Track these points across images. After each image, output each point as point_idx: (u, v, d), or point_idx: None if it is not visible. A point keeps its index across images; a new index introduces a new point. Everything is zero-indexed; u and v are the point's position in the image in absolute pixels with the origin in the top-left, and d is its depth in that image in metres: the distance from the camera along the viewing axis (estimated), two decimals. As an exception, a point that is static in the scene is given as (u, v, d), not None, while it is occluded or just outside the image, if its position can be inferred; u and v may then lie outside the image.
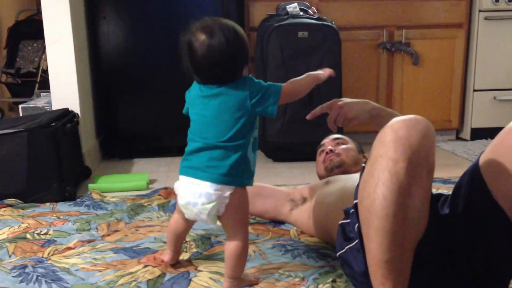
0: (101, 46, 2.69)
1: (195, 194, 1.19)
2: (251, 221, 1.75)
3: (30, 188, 2.00)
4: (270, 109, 1.20)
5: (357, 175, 1.49)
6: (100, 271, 1.39)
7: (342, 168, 1.70)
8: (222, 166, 1.18)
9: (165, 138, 2.85)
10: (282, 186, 1.80)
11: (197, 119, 1.24)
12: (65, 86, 2.36)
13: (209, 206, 1.19)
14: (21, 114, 2.46)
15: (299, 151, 2.59)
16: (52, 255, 1.51)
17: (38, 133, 1.98)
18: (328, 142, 1.80)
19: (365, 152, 1.85)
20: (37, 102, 2.55)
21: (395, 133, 1.00)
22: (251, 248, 1.52)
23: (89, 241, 1.61)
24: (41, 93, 3.00)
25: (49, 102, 2.44)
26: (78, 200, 2.03)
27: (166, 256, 1.41)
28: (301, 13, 2.63)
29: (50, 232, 1.68)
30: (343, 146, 1.75)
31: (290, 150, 2.62)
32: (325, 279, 1.30)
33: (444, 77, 3.03)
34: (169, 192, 2.06)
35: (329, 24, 2.58)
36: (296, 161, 2.62)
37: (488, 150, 1.06)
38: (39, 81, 3.79)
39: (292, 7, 2.62)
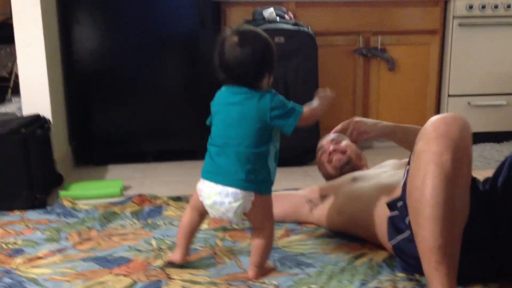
0: (74, 50, 2.64)
1: (222, 194, 1.26)
2: (228, 227, 1.73)
3: (-1, 196, 1.94)
4: (287, 129, 1.28)
5: (382, 171, 1.71)
6: (69, 281, 1.35)
7: (351, 165, 1.82)
8: (241, 171, 1.25)
9: (141, 143, 2.81)
10: (299, 190, 1.83)
11: (219, 124, 1.31)
12: (36, 91, 2.29)
13: (236, 204, 1.26)
14: (-10, 120, 2.39)
15: (276, 156, 2.58)
16: (21, 264, 1.46)
17: (6, 140, 1.93)
18: (327, 143, 1.89)
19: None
20: (7, 108, 2.48)
21: (435, 130, 1.10)
22: (226, 256, 1.50)
23: (60, 250, 1.56)
24: (13, 99, 2.93)
25: (21, 108, 2.38)
26: (48, 208, 1.98)
27: (177, 255, 1.40)
28: (278, 18, 2.62)
29: (19, 242, 1.62)
30: (344, 143, 1.83)
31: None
32: (299, 286, 1.29)
33: (420, 82, 3.06)
34: (143, 199, 2.02)
35: (306, 29, 2.58)
36: (273, 166, 2.60)
37: None
38: (11, 86, 3.71)
39: (269, 12, 2.61)
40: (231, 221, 1.32)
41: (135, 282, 1.33)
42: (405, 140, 1.64)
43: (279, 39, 2.52)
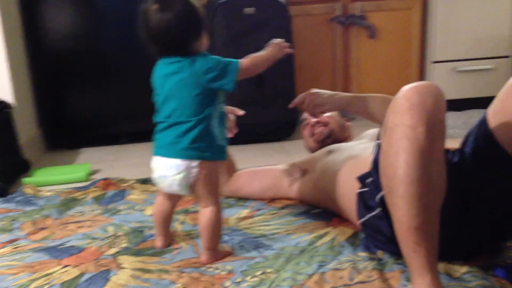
0: (41, 30, 2.53)
1: (166, 166, 1.24)
2: (190, 209, 1.65)
3: (-44, 186, 1.87)
4: (227, 86, 1.23)
5: (357, 143, 1.65)
6: (14, 274, 1.28)
7: (332, 137, 1.76)
8: (183, 141, 1.21)
9: (114, 125, 2.72)
10: (278, 165, 1.76)
11: (158, 99, 1.27)
12: (-5, 74, 2.20)
13: (178, 176, 1.23)
14: (-49, 107, 2.30)
15: (251, 132, 2.49)
16: (-32, 258, 1.39)
17: (-41, 127, 1.84)
18: (309, 114, 1.78)
19: (346, 116, 1.92)
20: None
21: (408, 101, 1.00)
22: (183, 240, 1.42)
23: (11, 241, 1.49)
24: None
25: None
26: (9, 196, 1.90)
27: (158, 242, 1.39)
28: (248, -13, 2.50)
29: (-30, 233, 1.55)
30: (327, 114, 1.76)
31: (242, 132, 2.51)
32: (254, 271, 1.21)
33: (402, 49, 2.94)
34: (108, 183, 1.94)
35: (277, -1, 2.45)
36: (249, 143, 2.52)
37: (494, 101, 1.10)
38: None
39: (238, -18, 2.48)
40: (180, 193, 1.29)
41: (82, 273, 1.26)
42: (365, 111, 1.58)
43: (250, 10, 2.41)
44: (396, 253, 1.20)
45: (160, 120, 1.26)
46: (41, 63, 2.58)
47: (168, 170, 1.23)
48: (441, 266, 1.16)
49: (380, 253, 1.25)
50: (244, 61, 1.25)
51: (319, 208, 1.58)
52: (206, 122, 1.23)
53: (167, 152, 1.23)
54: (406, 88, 1.04)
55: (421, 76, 3.02)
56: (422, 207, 0.98)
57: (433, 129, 0.99)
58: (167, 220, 1.38)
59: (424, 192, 0.98)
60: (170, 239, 1.41)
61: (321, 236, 1.39)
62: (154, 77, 1.28)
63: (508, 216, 1.13)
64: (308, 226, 1.47)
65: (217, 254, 1.29)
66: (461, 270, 1.15)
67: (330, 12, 2.81)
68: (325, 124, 1.80)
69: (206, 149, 1.24)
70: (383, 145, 1.07)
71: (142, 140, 2.71)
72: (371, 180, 1.20)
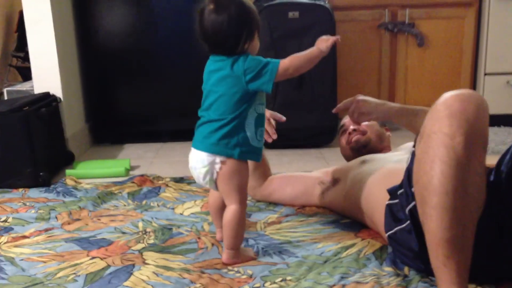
0: (92, 28, 2.62)
1: (196, 159, 1.28)
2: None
3: (3, 173, 1.96)
4: (265, 86, 1.23)
5: (394, 154, 1.58)
6: (44, 262, 1.33)
7: (369, 147, 1.71)
8: (214, 137, 1.24)
9: (158, 122, 2.78)
10: (313, 172, 1.76)
11: (204, 92, 1.30)
12: (46, 69, 2.30)
13: (203, 170, 1.26)
14: (6, 98, 2.42)
15: (289, 137, 2.47)
16: (5, 243, 1.46)
17: (8, 118, 1.93)
18: (349, 121, 1.78)
19: (386, 125, 1.87)
20: (23, 86, 2.50)
21: (448, 108, 0.96)
22: (209, 241, 1.43)
23: (46, 230, 1.55)
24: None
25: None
26: (52, 186, 1.98)
27: (218, 234, 1.43)
28: (295, -8, 2.49)
29: (10, 220, 1.62)
30: (366, 122, 1.72)
31: (280, 136, 2.50)
32: (274, 277, 1.20)
33: (453, 59, 2.84)
34: (144, 180, 1.99)
35: (322, 3, 2.43)
36: (287, 148, 2.51)
37: None
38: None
39: (285, -14, 2.48)
40: (206, 186, 1.31)
41: (108, 266, 1.29)
42: (412, 125, 1.51)
43: (294, 14, 2.40)
44: (423, 270, 1.16)
45: (200, 114, 1.30)
46: (91, 59, 2.67)
47: (197, 162, 1.27)
48: (470, 288, 1.11)
49: (406, 270, 1.21)
50: (284, 61, 1.23)
51: (349, 219, 1.55)
52: (239, 121, 1.24)
53: (199, 145, 1.27)
54: (447, 94, 1.00)
55: (472, 89, 2.90)
56: (455, 220, 0.94)
57: (473, 140, 0.95)
58: (220, 211, 1.36)
59: (458, 204, 0.94)
60: None
61: (347, 247, 1.36)
62: (204, 71, 1.31)
63: None
64: (335, 235, 1.44)
65: (238, 255, 1.29)
66: (491, 293, 1.10)
67: (378, 19, 2.76)
68: (363, 133, 1.75)
69: (235, 147, 1.24)
70: (418, 152, 1.03)
71: (184, 139, 2.75)
72: (402, 191, 1.16)
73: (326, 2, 2.47)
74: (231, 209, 1.27)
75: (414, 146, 1.14)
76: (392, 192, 1.25)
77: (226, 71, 1.23)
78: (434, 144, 0.97)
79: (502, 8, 2.74)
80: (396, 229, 1.18)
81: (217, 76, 1.25)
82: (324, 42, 1.30)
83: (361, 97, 1.57)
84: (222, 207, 1.36)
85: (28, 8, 2.24)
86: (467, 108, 0.96)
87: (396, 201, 1.21)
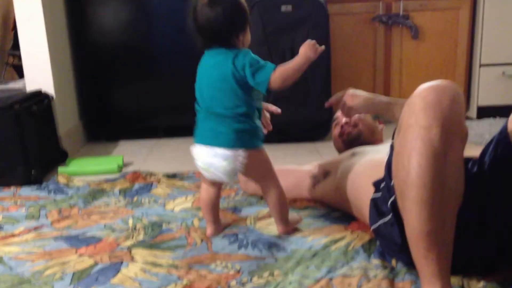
0: (85, 24, 2.61)
1: (212, 154, 1.29)
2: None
3: (-6, 171, 1.96)
4: (261, 86, 1.27)
5: (384, 146, 1.55)
6: (32, 260, 1.32)
7: (361, 139, 1.71)
8: (229, 131, 1.27)
9: (153, 119, 2.78)
10: (304, 165, 1.75)
11: (202, 87, 1.32)
12: (38, 66, 2.29)
13: (224, 164, 1.29)
14: (-2, 96, 2.41)
15: (284, 131, 2.47)
16: (-6, 242, 1.45)
17: (-1, 116, 1.93)
18: (341, 114, 1.73)
19: (379, 117, 1.85)
20: (15, 84, 2.50)
21: (423, 100, 0.96)
22: (199, 237, 1.43)
23: (36, 228, 1.54)
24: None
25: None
26: (43, 184, 1.97)
27: (208, 229, 1.43)
28: (287, -15, 2.47)
29: (0, 218, 1.62)
30: (357, 115, 1.72)
31: (274, 131, 2.50)
32: (262, 272, 1.20)
33: (447, 51, 2.83)
34: (137, 176, 1.98)
35: (315, -4, 2.42)
36: (281, 142, 2.50)
37: None
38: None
39: (277, -21, 2.46)
40: (225, 181, 1.35)
41: (96, 263, 1.28)
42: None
43: (286, 8, 2.39)
44: (409, 263, 1.15)
45: (202, 108, 1.32)
46: (85, 56, 2.66)
47: (213, 158, 1.29)
48: (457, 280, 1.10)
49: (394, 262, 1.20)
50: (274, 75, 1.25)
51: (339, 211, 1.55)
52: (249, 113, 1.29)
53: (212, 140, 1.29)
54: (422, 86, 1.00)
55: (468, 80, 2.89)
56: (434, 212, 0.94)
57: (449, 131, 0.95)
58: (214, 207, 1.42)
59: (436, 197, 0.94)
60: (220, 226, 1.45)
61: (336, 240, 1.35)
62: (199, 66, 1.35)
63: None
64: (325, 229, 1.43)
65: (289, 223, 1.42)
66: (478, 285, 1.09)
67: (372, 11, 2.74)
68: (355, 125, 1.75)
69: (252, 137, 1.31)
70: (396, 146, 1.02)
71: (179, 135, 2.75)
72: (384, 185, 1.16)
73: (319, -5, 2.46)
74: (272, 192, 1.38)
75: (392, 139, 1.13)
76: (377, 185, 1.24)
77: (228, 65, 1.27)
78: (411, 137, 0.96)
79: (497, -1, 2.72)
80: (379, 222, 1.17)
81: (219, 70, 1.28)
82: (311, 49, 1.29)
83: (351, 91, 1.56)
84: (215, 203, 1.43)
85: (19, 5, 2.23)
86: (442, 100, 0.95)
87: (380, 194, 1.20)
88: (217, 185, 1.41)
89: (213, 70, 1.29)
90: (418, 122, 0.96)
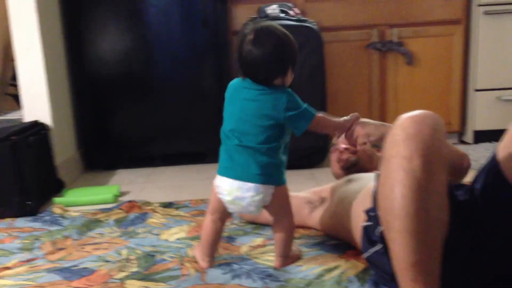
0: (83, 54, 2.64)
1: (243, 189, 1.27)
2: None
3: (-10, 203, 1.95)
4: (298, 131, 1.27)
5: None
6: (24, 293, 1.31)
7: (358, 166, 1.70)
8: (262, 167, 1.26)
9: (150, 147, 2.78)
10: (300, 192, 1.75)
11: (232, 118, 1.30)
12: (35, 97, 2.30)
13: (258, 197, 1.28)
14: (-4, 127, 2.43)
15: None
16: (-13, 275, 1.44)
17: (-5, 147, 1.93)
18: (342, 140, 1.74)
19: (378, 146, 1.80)
20: (13, 115, 2.51)
21: (404, 131, 0.98)
22: (192, 267, 1.41)
23: (29, 260, 1.53)
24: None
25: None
26: (39, 215, 1.97)
27: (205, 263, 1.41)
28: (282, 14, 2.51)
29: (-7, 251, 1.61)
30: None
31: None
32: (255, 304, 1.18)
33: (442, 77, 2.84)
34: (133, 206, 1.97)
35: (309, 25, 2.45)
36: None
37: (504, 137, 1.06)
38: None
39: (272, 9, 2.50)
40: (252, 213, 1.37)
41: (88, 296, 1.27)
42: None
43: (281, 36, 2.41)
44: (402, 293, 1.14)
45: (230, 139, 1.30)
46: (83, 86, 2.68)
47: (246, 191, 1.27)
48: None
49: (388, 292, 1.19)
50: (319, 116, 1.28)
51: (335, 240, 1.54)
52: (279, 149, 1.29)
53: (242, 175, 1.27)
54: (403, 117, 1.01)
55: (463, 105, 2.90)
56: (420, 243, 0.93)
57: (431, 161, 0.95)
58: (217, 240, 1.41)
59: (421, 227, 0.93)
60: (213, 261, 1.43)
61: (330, 270, 1.34)
62: (229, 93, 1.32)
63: None
64: (319, 258, 1.42)
65: (288, 259, 1.40)
66: (472, 314, 1.07)
67: (367, 39, 2.77)
68: (354, 152, 1.74)
69: (280, 174, 1.31)
70: (380, 177, 1.03)
71: (176, 163, 2.75)
72: (373, 214, 1.15)
73: (314, 23, 2.49)
74: (285, 226, 1.37)
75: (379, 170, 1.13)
76: (367, 212, 1.23)
77: (266, 103, 1.25)
78: (393, 168, 0.97)
79: (490, 24, 2.75)
80: (371, 251, 1.17)
81: (255, 105, 1.26)
82: (347, 121, 1.38)
83: (363, 120, 1.51)
84: (219, 236, 1.41)
85: (17, 35, 2.26)
86: (422, 130, 0.96)
87: (371, 223, 1.20)
88: (226, 219, 1.40)
89: (249, 103, 1.26)
90: (399, 153, 0.97)
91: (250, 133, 1.26)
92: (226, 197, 1.31)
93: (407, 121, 0.98)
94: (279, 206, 1.34)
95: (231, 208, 1.33)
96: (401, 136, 0.97)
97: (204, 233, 1.40)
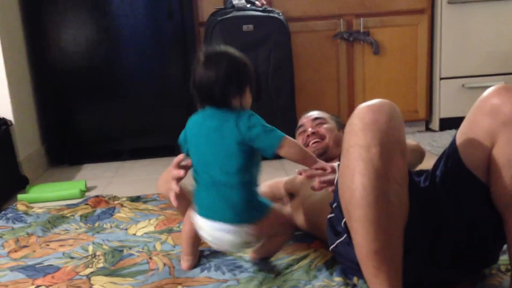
0: (46, 49, 2.56)
1: (222, 230, 1.20)
2: (174, 229, 1.62)
3: (-50, 202, 1.89)
4: (269, 149, 1.17)
5: None
6: (-14, 293, 1.27)
7: (327, 154, 1.63)
8: (232, 206, 1.18)
9: (117, 141, 2.73)
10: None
11: (200, 153, 1.22)
12: (-5, 92, 2.23)
13: (232, 238, 1.20)
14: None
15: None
16: None
17: (-47, 144, 1.86)
18: (307, 122, 1.71)
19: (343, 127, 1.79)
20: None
21: (361, 121, 0.97)
22: (161, 261, 1.39)
23: (-9, 259, 1.48)
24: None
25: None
26: (2, 212, 1.91)
27: (185, 262, 1.35)
28: (248, 5, 2.50)
29: (-47, 251, 1.56)
30: (325, 126, 1.67)
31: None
32: (223, 296, 1.17)
33: (408, 66, 2.88)
34: (99, 201, 1.93)
35: (276, 15, 2.44)
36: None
37: (462, 124, 1.09)
38: None
39: (238, 0, 2.48)
40: (234, 252, 1.36)
41: (53, 294, 1.24)
42: None
43: (248, 27, 2.40)
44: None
45: (202, 177, 1.21)
46: (46, 78, 2.61)
47: (226, 233, 1.20)
48: (418, 294, 1.10)
49: (355, 279, 1.20)
50: (291, 139, 1.19)
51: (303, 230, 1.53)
52: (251, 184, 1.21)
53: (214, 214, 1.20)
54: (360, 107, 1.01)
55: (429, 93, 2.95)
56: (380, 230, 0.94)
57: (389, 149, 0.96)
58: (198, 239, 1.33)
59: (381, 215, 0.94)
60: (197, 259, 1.38)
61: (299, 259, 1.34)
62: (190, 129, 1.24)
63: (482, 243, 1.07)
64: (288, 248, 1.42)
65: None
66: (437, 299, 1.09)
67: (333, 28, 2.78)
68: (322, 137, 1.66)
69: (255, 210, 1.21)
70: (341, 167, 1.03)
71: (144, 157, 2.72)
72: (336, 205, 1.15)
73: (280, 14, 2.48)
74: (279, 241, 1.34)
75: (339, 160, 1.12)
76: (331, 205, 1.23)
77: (229, 129, 1.16)
78: (353, 158, 0.97)
79: (454, 13, 2.80)
80: (336, 242, 1.17)
81: (219, 135, 1.18)
82: (320, 163, 1.26)
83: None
84: (197, 236, 1.31)
85: (-27, 30, 2.18)
86: (379, 119, 0.96)
87: (334, 214, 1.20)
88: None
89: (213, 134, 1.18)
90: (357, 143, 0.97)
91: (221, 167, 1.18)
92: (206, 237, 1.25)
93: (363, 111, 0.98)
94: (271, 231, 1.28)
95: (212, 246, 1.29)
96: (359, 125, 0.97)
97: (184, 234, 1.35)
